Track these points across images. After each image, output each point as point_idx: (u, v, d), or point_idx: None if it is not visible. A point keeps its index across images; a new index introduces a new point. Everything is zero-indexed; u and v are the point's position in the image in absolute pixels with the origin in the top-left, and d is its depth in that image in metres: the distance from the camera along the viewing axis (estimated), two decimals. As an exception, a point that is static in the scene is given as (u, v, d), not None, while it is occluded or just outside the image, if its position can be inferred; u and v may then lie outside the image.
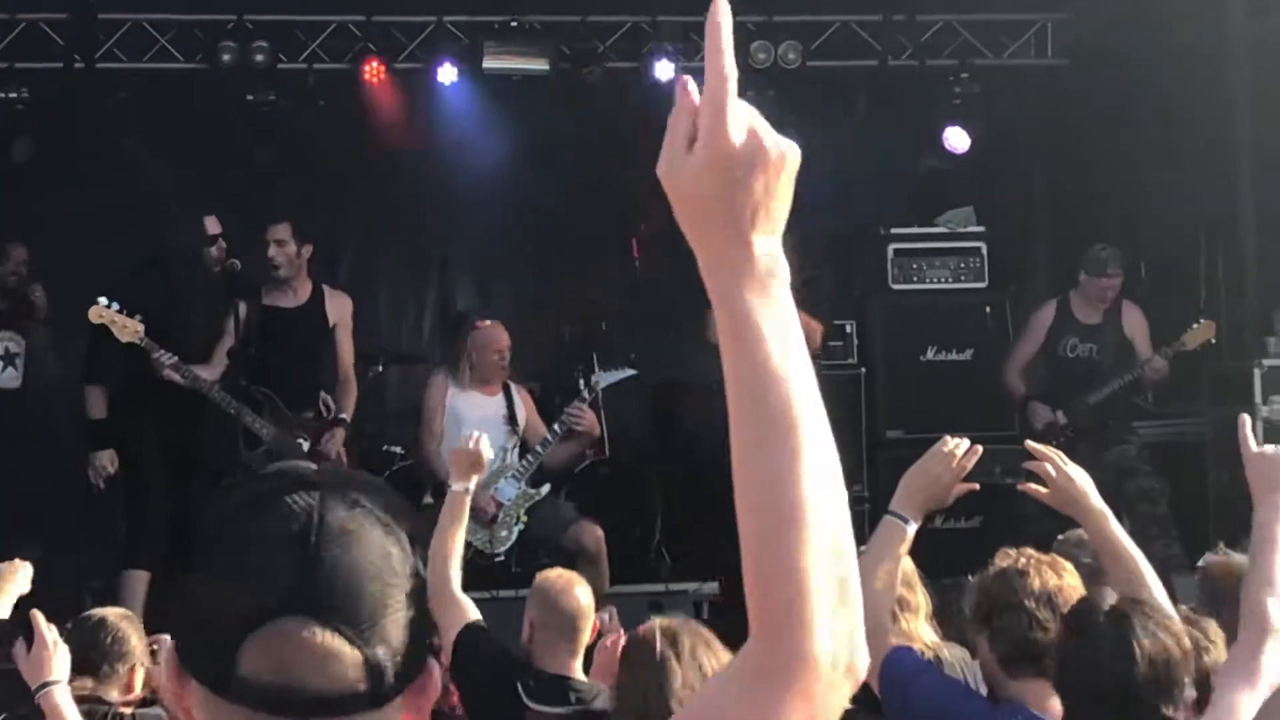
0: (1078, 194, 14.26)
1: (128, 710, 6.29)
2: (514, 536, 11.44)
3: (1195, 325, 12.07)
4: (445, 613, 6.52)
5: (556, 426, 11.54)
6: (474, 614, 6.43)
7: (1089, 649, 4.35)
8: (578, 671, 6.40)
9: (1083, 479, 5.05)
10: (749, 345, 1.93)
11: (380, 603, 1.89)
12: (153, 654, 6.71)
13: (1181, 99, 12.96)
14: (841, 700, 2.06)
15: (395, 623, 1.90)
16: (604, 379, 11.79)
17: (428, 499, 11.63)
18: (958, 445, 5.15)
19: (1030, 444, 5.18)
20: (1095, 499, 5.03)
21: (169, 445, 11.17)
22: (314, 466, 1.99)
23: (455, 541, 6.50)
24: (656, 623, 5.38)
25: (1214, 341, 12.13)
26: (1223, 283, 13.49)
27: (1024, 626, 4.79)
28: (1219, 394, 12.51)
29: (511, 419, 11.70)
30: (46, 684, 5.58)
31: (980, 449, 5.14)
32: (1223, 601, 6.02)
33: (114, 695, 6.39)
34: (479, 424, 11.47)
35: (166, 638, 6.93)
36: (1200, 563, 6.89)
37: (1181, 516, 12.20)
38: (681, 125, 2.02)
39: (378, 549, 1.91)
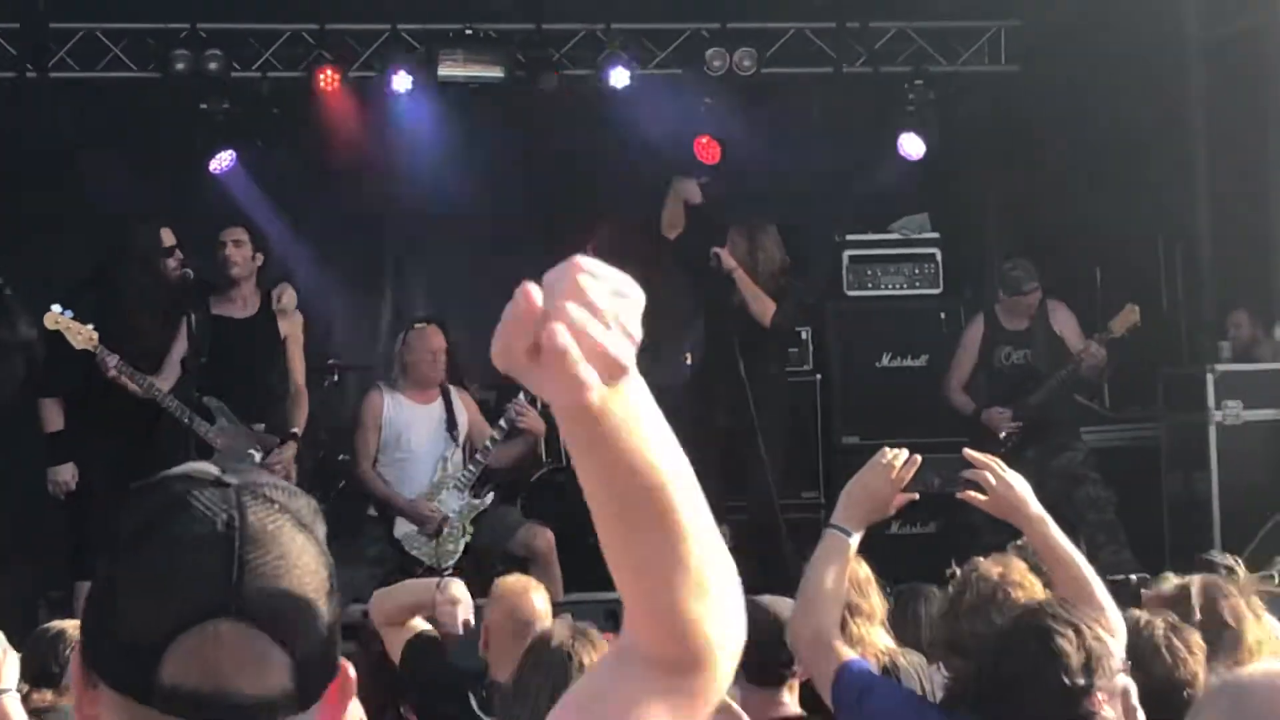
0: (1032, 200, 14.29)
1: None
2: (460, 549, 11.36)
3: (1122, 311, 12.13)
4: (392, 633, 6.52)
5: (501, 423, 11.47)
6: (423, 624, 6.43)
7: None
8: None
9: (1021, 486, 5.06)
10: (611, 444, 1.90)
11: (303, 603, 1.86)
12: None
13: (1136, 105, 13.00)
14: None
15: (317, 624, 1.87)
16: None
17: (371, 511, 11.58)
18: (896, 456, 5.16)
19: (968, 452, 5.17)
20: (1034, 505, 5.04)
21: (121, 454, 11.09)
22: (216, 469, 1.92)
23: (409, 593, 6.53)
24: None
25: (1139, 324, 12.13)
26: (1180, 288, 13.54)
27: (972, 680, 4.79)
28: (1173, 399, 12.56)
29: (451, 424, 11.61)
30: None
31: (919, 459, 5.16)
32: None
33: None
34: (418, 435, 11.46)
35: None
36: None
37: (1135, 522, 12.25)
38: (515, 331, 1.92)
39: (298, 547, 1.88)
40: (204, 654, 1.81)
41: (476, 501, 11.44)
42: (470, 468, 11.42)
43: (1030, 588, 4.90)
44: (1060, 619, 4.36)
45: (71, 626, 6.69)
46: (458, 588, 6.72)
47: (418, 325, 11.74)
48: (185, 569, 1.83)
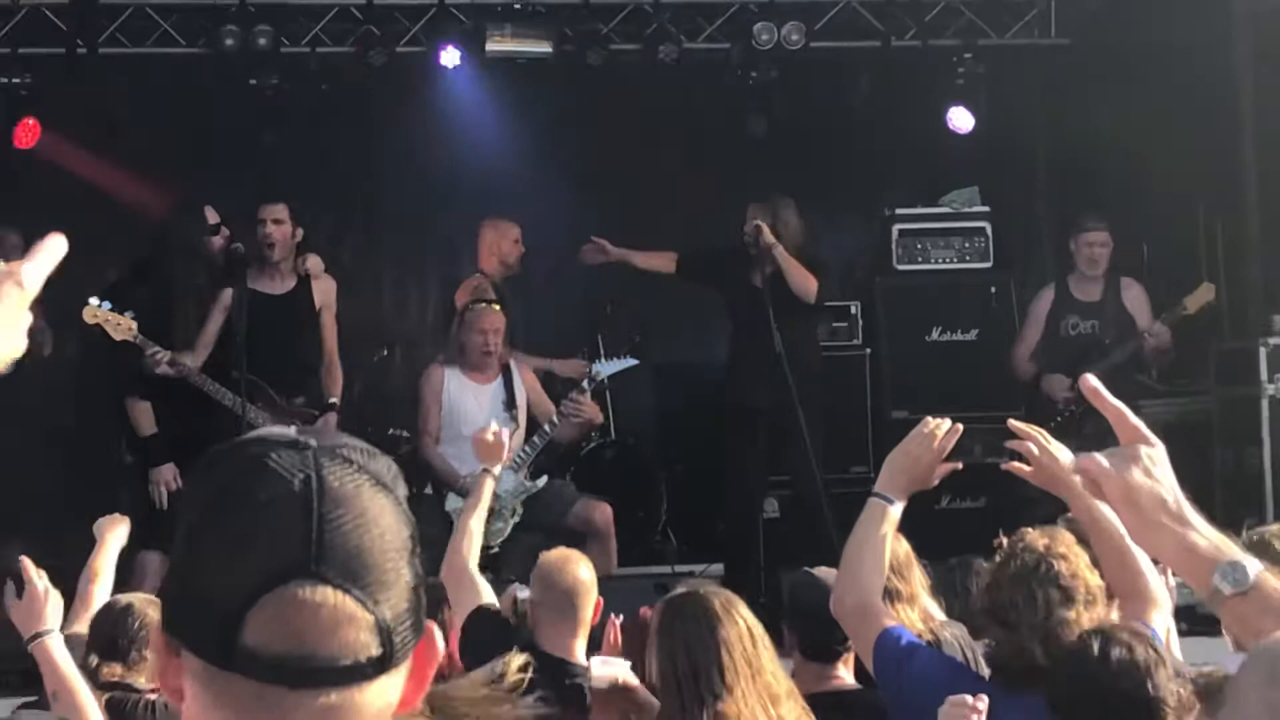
0: (1081, 173, 14.25)
1: (155, 696, 6.25)
2: (509, 528, 11.33)
3: (1197, 289, 12.09)
4: (460, 593, 6.55)
5: (554, 418, 11.44)
6: (488, 596, 6.45)
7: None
8: (578, 651, 6.35)
9: (1066, 457, 5.05)
10: None
11: (385, 563, 1.83)
12: None
13: (1184, 77, 12.95)
14: None
15: (400, 584, 1.84)
16: (604, 369, 11.70)
17: (428, 490, 11.60)
18: (938, 426, 5.21)
19: (1013, 423, 5.18)
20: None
21: (178, 432, 11.10)
22: (292, 431, 1.89)
23: (476, 521, 6.55)
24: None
25: (1214, 302, 12.12)
26: (1226, 261, 13.48)
27: (1013, 653, 4.82)
28: (1225, 372, 12.51)
29: (510, 404, 11.61)
30: (39, 634, 5.51)
31: (961, 428, 5.21)
32: None
33: (142, 682, 6.36)
34: (476, 415, 11.46)
35: None
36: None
37: (1186, 495, 12.20)
38: None
39: (377, 507, 1.85)
40: (285, 616, 1.78)
41: (529, 484, 11.44)
42: (526, 449, 11.40)
43: (1075, 560, 4.90)
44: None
45: (140, 600, 6.69)
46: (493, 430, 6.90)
47: (477, 305, 11.71)
48: (264, 530, 1.81)
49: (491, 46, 13.40)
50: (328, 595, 1.79)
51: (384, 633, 1.82)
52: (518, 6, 13.55)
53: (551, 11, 13.69)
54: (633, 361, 11.82)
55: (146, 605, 6.59)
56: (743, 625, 5.17)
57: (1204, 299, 12.04)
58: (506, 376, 11.64)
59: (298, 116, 13.99)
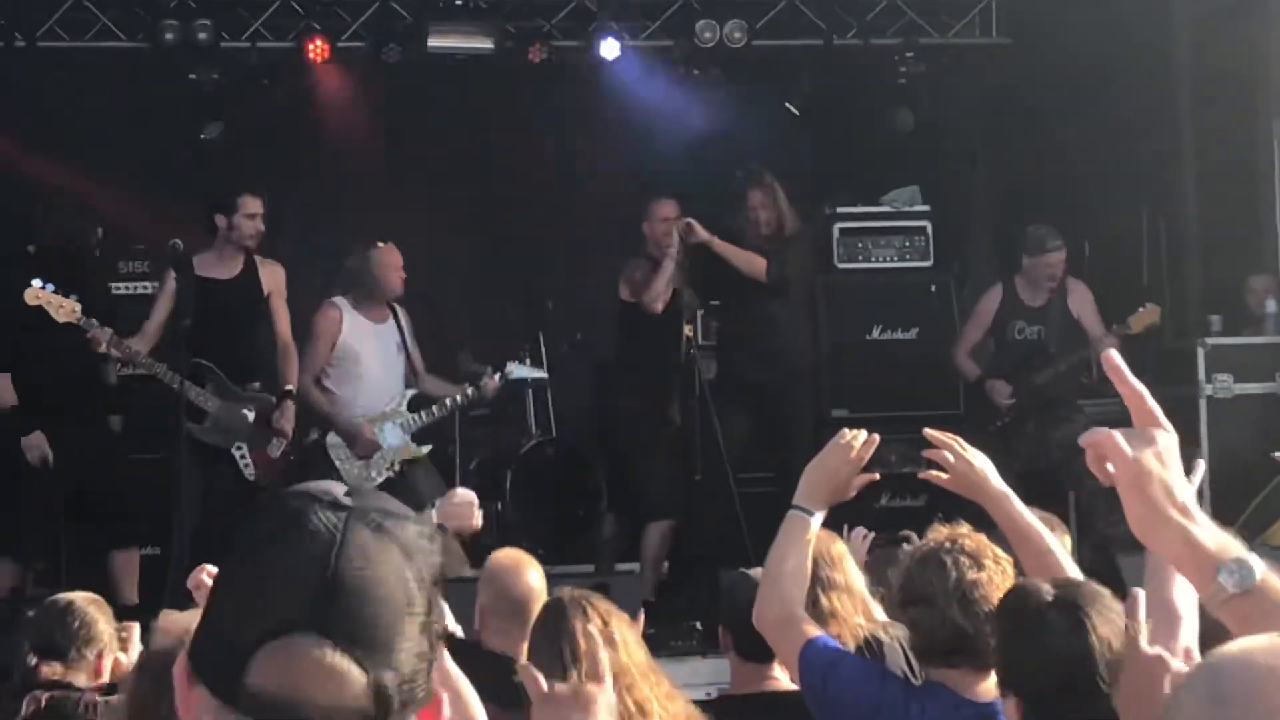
0: (1022, 172, 14.30)
1: (96, 696, 6.18)
2: (380, 479, 11.34)
3: (1141, 309, 12.09)
4: None
5: (462, 396, 11.58)
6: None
7: (1037, 644, 4.32)
8: (524, 655, 6.27)
9: (982, 463, 5.07)
10: None
11: (393, 629, 1.95)
12: (121, 640, 6.57)
13: (1124, 78, 13.01)
14: None
15: (406, 651, 1.95)
16: (515, 371, 11.79)
17: (314, 435, 11.60)
18: (855, 437, 5.24)
19: (928, 431, 5.19)
20: (996, 482, 5.06)
21: (47, 400, 10.99)
22: (340, 490, 2.04)
23: None
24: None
25: (1158, 324, 12.16)
26: (1167, 261, 13.54)
27: (934, 624, 4.81)
28: (1164, 373, 12.56)
29: (403, 345, 11.67)
30: None
31: (877, 439, 5.23)
32: None
33: (82, 680, 6.29)
34: (374, 354, 11.48)
35: (135, 625, 6.77)
36: None
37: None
38: None
39: (396, 575, 1.96)
40: (286, 664, 1.92)
41: (414, 447, 11.51)
42: (423, 414, 11.46)
43: (979, 539, 4.93)
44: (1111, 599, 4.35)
45: (81, 598, 6.60)
46: (464, 492, 6.75)
47: (382, 244, 11.71)
48: (282, 581, 1.94)
49: (433, 42, 13.36)
50: (327, 652, 1.92)
51: (379, 695, 1.93)
52: (459, 2, 13.51)
53: (493, 7, 13.65)
54: (543, 375, 11.90)
55: (88, 604, 6.52)
56: (594, 616, 5.12)
57: (1148, 320, 12.02)
58: (395, 317, 11.69)
59: (238, 111, 13.90)
